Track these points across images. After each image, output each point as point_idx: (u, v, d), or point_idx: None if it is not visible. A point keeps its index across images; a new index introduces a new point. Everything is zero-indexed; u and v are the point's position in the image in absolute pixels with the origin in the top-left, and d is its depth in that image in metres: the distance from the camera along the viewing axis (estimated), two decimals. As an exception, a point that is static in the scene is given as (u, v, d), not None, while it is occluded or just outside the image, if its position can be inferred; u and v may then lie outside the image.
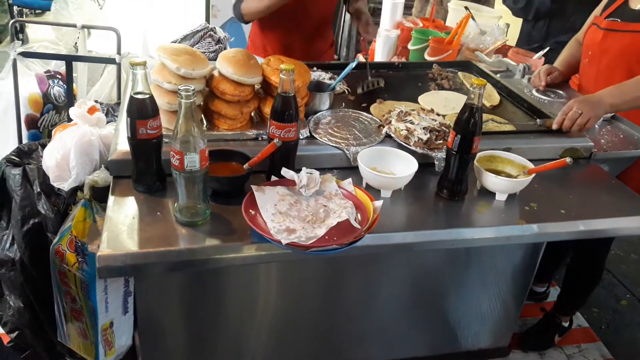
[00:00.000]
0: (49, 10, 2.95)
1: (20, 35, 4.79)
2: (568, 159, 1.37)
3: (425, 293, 1.73)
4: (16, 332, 1.75)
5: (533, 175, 1.43)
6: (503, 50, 2.63)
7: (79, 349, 1.62)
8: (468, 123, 1.33)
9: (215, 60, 1.51)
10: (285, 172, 1.32)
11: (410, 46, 2.66)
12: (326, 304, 1.67)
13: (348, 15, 2.96)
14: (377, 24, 2.88)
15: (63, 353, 1.75)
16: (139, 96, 1.25)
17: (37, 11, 5.52)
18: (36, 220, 1.61)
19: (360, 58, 2.12)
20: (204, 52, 1.92)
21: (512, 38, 3.09)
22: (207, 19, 4.18)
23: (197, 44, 1.94)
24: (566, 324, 2.31)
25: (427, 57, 2.53)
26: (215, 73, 1.50)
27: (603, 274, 2.18)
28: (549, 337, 2.29)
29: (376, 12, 3.36)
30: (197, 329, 1.58)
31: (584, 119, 1.68)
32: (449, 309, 1.80)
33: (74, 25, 2.29)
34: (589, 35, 2.03)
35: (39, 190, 1.60)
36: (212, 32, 1.97)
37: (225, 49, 1.99)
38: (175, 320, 1.54)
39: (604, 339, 2.37)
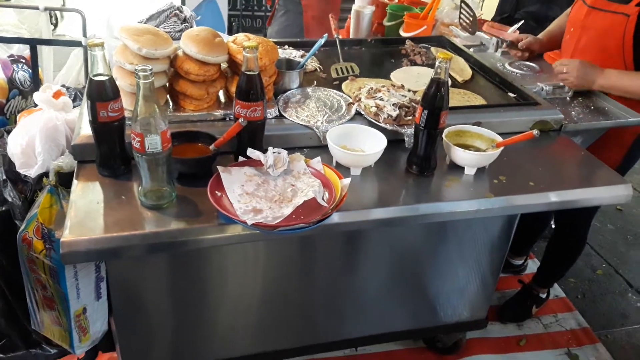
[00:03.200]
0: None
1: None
2: (535, 131, 1.37)
3: (404, 269, 1.74)
4: (-10, 322, 1.73)
5: (501, 148, 1.43)
6: (478, 24, 2.61)
7: (53, 336, 1.61)
8: (435, 98, 1.33)
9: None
10: (251, 152, 1.30)
11: (385, 22, 2.63)
12: (306, 282, 1.67)
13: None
14: (352, 0, 2.84)
15: (39, 341, 1.74)
16: (99, 78, 1.22)
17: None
18: (3, 208, 1.58)
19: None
20: (170, 32, 1.87)
21: (489, 12, 3.07)
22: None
23: (162, 23, 1.89)
24: (544, 295, 2.35)
25: (402, 33, 2.50)
26: (180, 52, 1.46)
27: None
28: (526, 309, 2.33)
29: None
30: (174, 311, 1.57)
31: (566, 77, 1.83)
32: (427, 283, 1.82)
33: (37, 8, 2.22)
34: (574, 11, 1.97)
35: (4, 177, 1.57)
36: (177, 12, 1.92)
37: (191, 27, 1.95)
38: (150, 303, 1.53)
39: (580, 308, 2.42)
